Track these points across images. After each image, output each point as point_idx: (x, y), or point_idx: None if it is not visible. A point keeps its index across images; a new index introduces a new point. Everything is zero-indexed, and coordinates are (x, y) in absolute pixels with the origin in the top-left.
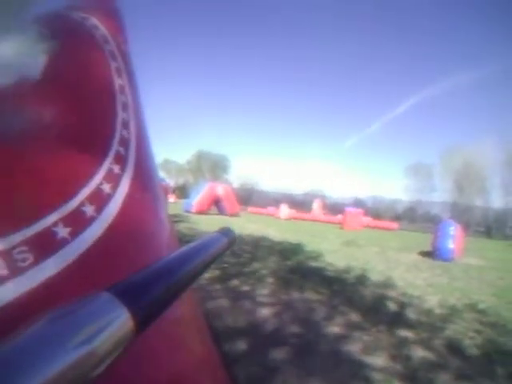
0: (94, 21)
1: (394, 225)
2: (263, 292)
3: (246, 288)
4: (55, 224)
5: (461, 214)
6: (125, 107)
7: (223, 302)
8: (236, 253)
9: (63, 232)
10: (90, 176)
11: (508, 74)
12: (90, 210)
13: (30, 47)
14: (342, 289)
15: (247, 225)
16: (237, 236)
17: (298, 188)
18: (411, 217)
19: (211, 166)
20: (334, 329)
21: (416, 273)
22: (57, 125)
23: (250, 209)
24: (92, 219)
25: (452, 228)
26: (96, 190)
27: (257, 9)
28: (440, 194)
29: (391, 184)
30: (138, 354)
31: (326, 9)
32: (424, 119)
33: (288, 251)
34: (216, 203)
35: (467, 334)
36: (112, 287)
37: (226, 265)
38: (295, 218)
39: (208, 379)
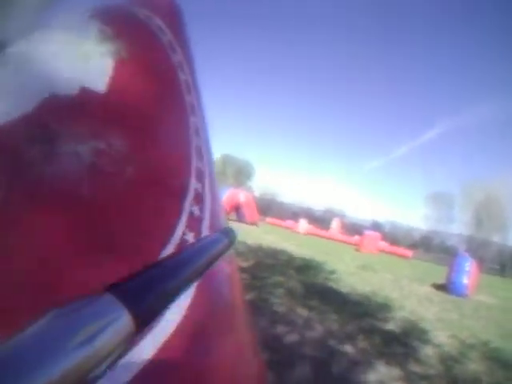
0: (159, 22)
1: (409, 253)
2: (276, 302)
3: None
4: None
5: (476, 248)
6: (197, 131)
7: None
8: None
9: None
10: (172, 227)
11: None
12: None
13: (91, 49)
14: (354, 312)
15: (265, 236)
16: (256, 247)
17: (317, 204)
18: (427, 246)
19: (235, 171)
20: (344, 351)
21: (427, 306)
22: (129, 159)
23: (268, 219)
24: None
25: (468, 264)
26: (181, 242)
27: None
28: (458, 226)
29: (410, 211)
30: (187, 337)
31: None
32: (448, 149)
33: (304, 268)
34: (236, 210)
35: (471, 371)
36: (112, 287)
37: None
38: (313, 234)
39: (249, 364)
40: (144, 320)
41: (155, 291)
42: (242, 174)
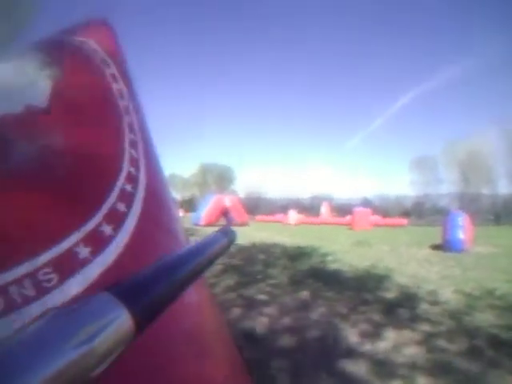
0: (93, 44)
1: (403, 221)
2: (278, 293)
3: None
4: (76, 245)
5: (468, 203)
6: (131, 128)
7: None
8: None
9: (84, 252)
10: (104, 197)
11: (506, 62)
12: (107, 229)
13: (34, 74)
14: (357, 288)
15: (257, 233)
16: (249, 245)
17: (304, 192)
18: (419, 211)
19: (216, 177)
20: (353, 327)
21: (429, 267)
22: (70, 150)
23: (258, 217)
24: (110, 238)
25: (460, 218)
26: (112, 209)
27: (253, 12)
28: (447, 186)
29: (397, 180)
30: (163, 358)
31: (320, 7)
32: (424, 112)
33: (298, 256)
34: (224, 214)
35: (487, 320)
36: (112, 287)
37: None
38: (304, 223)
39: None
40: (143, 320)
41: (155, 291)
42: (223, 179)
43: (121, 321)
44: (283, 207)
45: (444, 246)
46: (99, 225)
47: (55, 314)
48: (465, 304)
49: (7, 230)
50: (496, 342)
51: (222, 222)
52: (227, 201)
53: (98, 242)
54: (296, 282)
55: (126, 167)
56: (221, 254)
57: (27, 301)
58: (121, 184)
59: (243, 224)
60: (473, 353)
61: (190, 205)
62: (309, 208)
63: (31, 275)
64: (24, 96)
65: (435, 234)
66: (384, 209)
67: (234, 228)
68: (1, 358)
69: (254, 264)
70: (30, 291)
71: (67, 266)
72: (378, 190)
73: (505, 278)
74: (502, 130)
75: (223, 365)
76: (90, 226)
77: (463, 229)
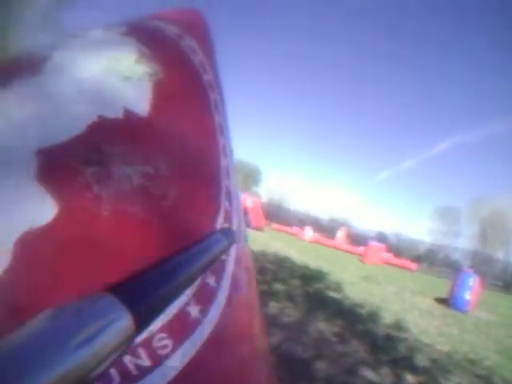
0: (191, 42)
1: (413, 265)
2: (280, 311)
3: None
4: (187, 303)
5: (480, 263)
6: (225, 151)
7: None
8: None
9: (195, 311)
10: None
11: None
12: (211, 280)
13: (133, 71)
14: (356, 323)
15: (270, 242)
16: (261, 253)
17: (323, 213)
18: (431, 259)
19: (244, 175)
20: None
21: (429, 319)
22: (172, 180)
23: (274, 225)
24: (215, 290)
25: (471, 279)
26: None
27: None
28: (463, 241)
29: (416, 224)
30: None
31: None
32: (458, 164)
33: (307, 277)
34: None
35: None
36: (112, 288)
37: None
38: (318, 242)
39: (263, 374)
40: (144, 320)
41: (156, 291)
42: (250, 178)
43: (121, 321)
44: (301, 221)
45: (449, 302)
46: (205, 276)
47: (55, 314)
48: (455, 364)
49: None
50: None
51: None
52: (249, 201)
53: (204, 297)
54: (295, 300)
55: (224, 204)
56: (221, 255)
57: (144, 371)
58: (219, 225)
59: (259, 229)
60: None
61: None
62: (325, 229)
63: (146, 343)
64: (123, 98)
65: (441, 287)
66: (398, 248)
67: (249, 231)
68: (1, 359)
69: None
70: (145, 361)
71: (181, 329)
72: (395, 228)
73: (497, 348)
74: None
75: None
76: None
77: (472, 290)
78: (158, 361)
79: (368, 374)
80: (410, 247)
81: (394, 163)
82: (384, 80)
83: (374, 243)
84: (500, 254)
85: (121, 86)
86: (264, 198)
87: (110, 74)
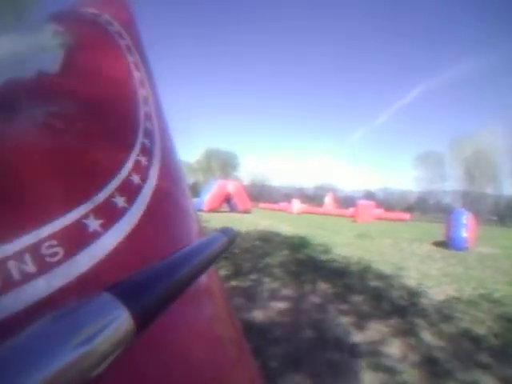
0: (107, 17)
1: (406, 216)
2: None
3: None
4: (86, 216)
5: (472, 202)
6: (146, 100)
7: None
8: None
9: (94, 224)
10: (118, 168)
11: None
12: (120, 201)
13: (47, 42)
14: (357, 281)
15: (260, 221)
16: (251, 232)
17: (308, 182)
18: (423, 207)
19: (221, 164)
20: (349, 319)
21: (430, 263)
22: (82, 118)
23: (261, 205)
24: (124, 210)
25: (464, 217)
26: (125, 181)
27: (255, 7)
28: (451, 184)
29: (401, 175)
30: (174, 355)
31: (325, 2)
32: (431, 108)
33: (299, 246)
34: (227, 200)
35: (484, 322)
36: (112, 287)
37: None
38: (307, 213)
39: (244, 379)
40: (144, 319)
41: (155, 291)
42: (227, 165)
43: (121, 321)
44: (287, 195)
45: (447, 244)
46: (111, 196)
47: (55, 315)
48: (465, 302)
49: (8, 197)
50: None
51: (225, 208)
52: (230, 187)
53: (110, 214)
54: (288, 274)
55: (141, 139)
56: (221, 254)
57: (28, 277)
58: (135, 155)
59: (246, 211)
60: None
61: (193, 190)
62: (312, 198)
63: (33, 248)
64: (36, 62)
65: (437, 231)
66: (387, 203)
67: (237, 215)
68: (1, 359)
69: (250, 253)
70: (32, 266)
71: (75, 239)
72: (381, 184)
73: (506, 279)
74: (508, 129)
75: (232, 350)
76: (102, 196)
77: (467, 227)
78: (44, 268)
79: (377, 326)
80: (400, 199)
81: (369, 119)
82: (339, 36)
83: (362, 202)
84: (490, 190)
85: (36, 55)
86: (247, 181)
87: (26, 47)
